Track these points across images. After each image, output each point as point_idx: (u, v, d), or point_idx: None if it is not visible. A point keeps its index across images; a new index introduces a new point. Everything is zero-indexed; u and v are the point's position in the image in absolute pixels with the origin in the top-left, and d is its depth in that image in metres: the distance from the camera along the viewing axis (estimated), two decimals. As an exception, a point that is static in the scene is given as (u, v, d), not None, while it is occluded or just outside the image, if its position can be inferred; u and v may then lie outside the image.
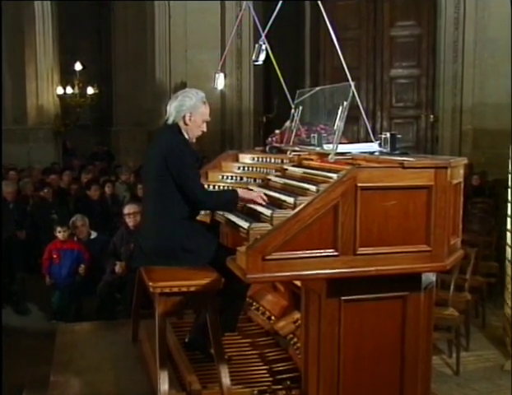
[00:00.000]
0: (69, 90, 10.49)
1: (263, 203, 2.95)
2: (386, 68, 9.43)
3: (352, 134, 8.41)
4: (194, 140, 3.02)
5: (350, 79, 2.89)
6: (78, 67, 10.43)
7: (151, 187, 2.92)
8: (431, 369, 2.75)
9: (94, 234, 5.40)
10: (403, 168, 2.42)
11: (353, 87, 2.83)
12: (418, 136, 9.47)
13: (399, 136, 2.84)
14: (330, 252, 2.36)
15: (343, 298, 2.45)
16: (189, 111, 2.92)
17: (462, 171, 2.68)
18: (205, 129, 3.03)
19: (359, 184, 2.37)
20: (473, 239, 4.93)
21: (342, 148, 2.93)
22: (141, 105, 10.33)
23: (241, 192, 2.99)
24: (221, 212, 3.10)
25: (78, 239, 5.24)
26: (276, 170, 3.49)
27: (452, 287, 4.14)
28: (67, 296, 4.93)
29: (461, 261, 3.42)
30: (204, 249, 2.85)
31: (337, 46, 3.16)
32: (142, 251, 2.92)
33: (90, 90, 10.72)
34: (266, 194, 3.14)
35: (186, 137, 2.96)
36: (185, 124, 2.95)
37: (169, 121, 2.95)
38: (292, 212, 2.37)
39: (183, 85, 9.07)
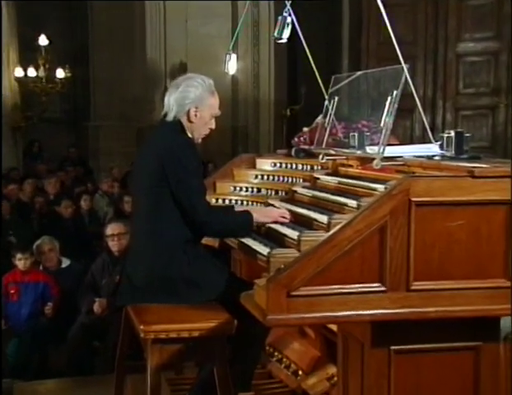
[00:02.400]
0: (31, 72, 10.21)
1: (287, 222, 3.01)
2: (451, 42, 9.29)
3: (405, 132, 8.42)
4: (200, 140, 3.10)
5: (402, 59, 2.93)
6: (43, 41, 10.11)
7: (143, 200, 2.99)
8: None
9: (66, 262, 5.49)
10: (473, 177, 2.44)
11: (406, 70, 2.87)
12: (495, 133, 9.31)
13: (468, 134, 2.87)
14: (375, 287, 2.39)
15: (393, 347, 2.47)
16: (195, 104, 3.00)
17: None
18: (213, 126, 3.10)
19: (413, 199, 2.39)
20: None
21: (391, 151, 2.97)
22: (127, 94, 10.46)
23: (258, 213, 3.04)
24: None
25: (45, 269, 5.33)
26: (305, 180, 3.54)
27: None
28: (28, 345, 4.92)
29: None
30: (211, 282, 2.91)
31: (385, 15, 3.19)
32: (131, 284, 2.98)
33: (59, 73, 10.56)
34: (291, 211, 3.19)
35: (190, 136, 3.04)
36: (190, 121, 3.03)
37: (169, 117, 3.02)
38: (326, 235, 2.41)
39: (182, 68, 9.24)
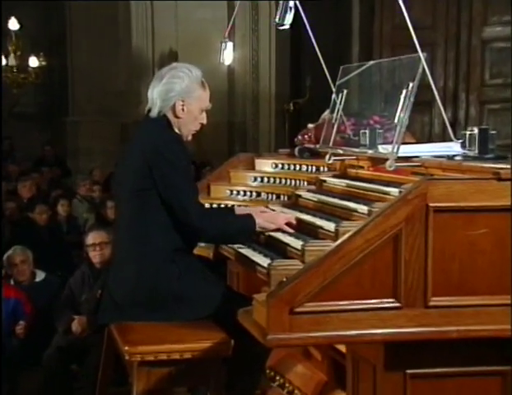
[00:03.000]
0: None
1: (289, 230, 3.03)
2: (476, 27, 9.15)
3: (422, 129, 8.44)
4: (190, 137, 3.13)
5: (418, 47, 2.94)
6: (14, 25, 10.12)
7: (127, 205, 3.02)
8: None
9: (40, 276, 5.49)
10: (499, 180, 2.45)
11: (424, 60, 2.89)
12: (525, 130, 9.32)
13: (494, 131, 2.88)
14: (389, 303, 2.41)
15: (409, 371, 2.49)
16: (181, 97, 3.02)
17: None
18: (204, 121, 3.13)
19: (431, 204, 2.41)
20: None
21: (407, 150, 3.00)
22: (110, 86, 10.48)
23: (261, 218, 3.06)
24: (226, 245, 3.19)
25: (16, 283, 5.32)
26: (310, 183, 3.56)
27: None
28: (-3, 369, 4.94)
29: None
30: (205, 297, 2.93)
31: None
32: (114, 300, 3.00)
33: (33, 62, 10.55)
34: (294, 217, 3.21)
35: (178, 133, 3.06)
36: (176, 116, 3.05)
37: (154, 113, 3.05)
38: (333, 245, 2.43)
39: (172, 57, 9.25)
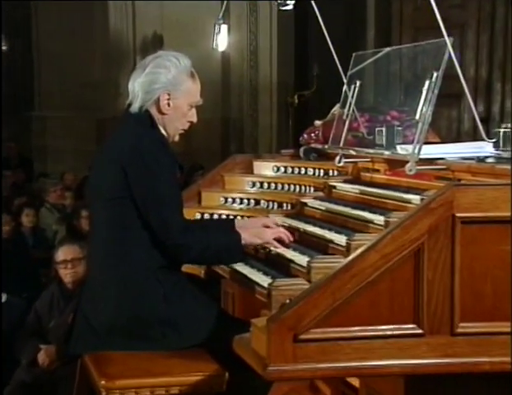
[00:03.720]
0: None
1: (286, 241, 3.07)
2: None
3: (449, 126, 8.45)
4: (177, 138, 3.14)
5: (444, 31, 2.96)
6: None
7: (104, 216, 3.03)
8: None
9: (2, 297, 5.49)
10: (538, 186, 2.48)
11: (450, 45, 2.92)
12: None
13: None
14: (409, 329, 2.42)
15: (434, 409, 2.50)
16: (166, 90, 3.04)
17: None
18: (194, 119, 3.14)
19: (459, 214, 2.43)
20: None
21: (430, 151, 3.01)
22: (83, 75, 10.48)
23: (247, 233, 3.07)
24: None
25: (-28, 307, 5.32)
26: (317, 189, 3.58)
27: None
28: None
29: None
30: (195, 322, 2.94)
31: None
32: (89, 326, 3.01)
33: None
34: (298, 229, 3.23)
35: (163, 133, 3.08)
36: (160, 112, 3.07)
37: (134, 107, 3.07)
38: (344, 261, 2.44)
39: (156, 41, 9.27)
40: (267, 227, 3.17)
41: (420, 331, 2.42)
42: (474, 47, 8.77)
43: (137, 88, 3.04)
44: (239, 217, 3.79)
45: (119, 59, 9.74)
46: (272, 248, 3.10)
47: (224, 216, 3.82)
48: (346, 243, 2.70)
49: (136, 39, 9.81)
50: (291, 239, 3.10)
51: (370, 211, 2.95)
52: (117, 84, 9.30)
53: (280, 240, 3.09)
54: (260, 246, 3.14)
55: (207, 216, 3.84)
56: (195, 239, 2.98)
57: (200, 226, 3.29)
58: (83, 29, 10.42)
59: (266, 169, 4.03)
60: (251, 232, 3.11)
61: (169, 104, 3.05)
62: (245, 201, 3.87)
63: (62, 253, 4.87)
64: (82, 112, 10.44)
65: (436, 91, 2.92)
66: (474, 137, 3.17)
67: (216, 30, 4.43)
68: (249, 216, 3.74)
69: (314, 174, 3.80)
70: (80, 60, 10.49)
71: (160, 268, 2.97)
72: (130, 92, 3.08)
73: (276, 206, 3.75)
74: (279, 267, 2.99)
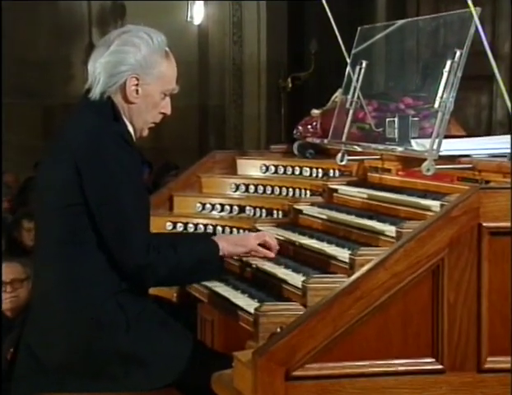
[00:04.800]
0: None
1: (274, 248, 3.10)
2: None
3: (477, 116, 8.46)
4: (145, 132, 3.15)
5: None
6: None
7: (51, 227, 3.04)
8: None
9: None
10: None
11: (477, 17, 2.93)
12: None
13: None
14: (427, 364, 2.45)
15: None
16: (135, 74, 3.05)
17: None
18: (168, 110, 3.15)
19: (486, 224, 2.46)
20: None
21: (452, 147, 3.04)
22: (26, 53, 10.47)
23: (225, 241, 3.10)
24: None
25: None
26: (315, 192, 3.60)
27: None
28: None
29: None
30: (165, 357, 2.94)
31: None
32: (36, 363, 3.00)
33: None
34: (291, 242, 3.25)
35: (129, 127, 3.09)
36: (127, 101, 3.08)
37: (94, 94, 3.07)
38: (347, 281, 2.47)
39: (117, 12, 9.27)
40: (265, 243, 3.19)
41: (439, 366, 2.45)
42: (508, 17, 8.69)
43: (99, 70, 3.04)
44: (219, 228, 3.80)
45: (71, 33, 9.74)
46: (257, 263, 3.12)
47: (201, 226, 3.83)
48: (350, 258, 2.71)
49: (91, 8, 9.80)
50: (277, 247, 3.14)
51: (379, 220, 2.98)
52: (68, 64, 9.31)
53: (267, 246, 3.13)
54: (244, 259, 3.16)
55: (180, 227, 3.85)
56: (160, 256, 2.98)
57: (168, 240, 3.25)
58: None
59: (252, 168, 4.05)
60: (230, 240, 3.13)
61: (137, 92, 3.06)
62: (227, 207, 3.88)
63: (2, 273, 4.87)
64: (25, 98, 10.40)
65: (460, 73, 2.95)
66: (509, 128, 3.17)
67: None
68: (231, 227, 3.76)
69: (310, 174, 3.81)
70: (22, 36, 10.45)
71: (121, 292, 2.97)
72: (89, 75, 3.07)
73: (264, 214, 3.76)
74: (268, 288, 3.01)
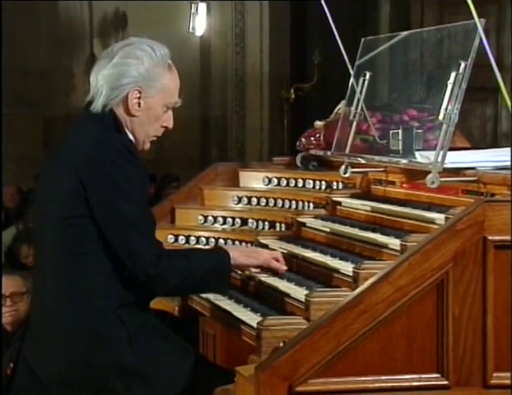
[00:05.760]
0: None
1: (282, 269, 3.08)
2: None
3: (482, 127, 8.45)
4: (147, 146, 3.14)
5: (473, 9, 2.96)
6: None
7: (52, 240, 3.03)
8: None
9: None
10: None
11: (481, 28, 2.93)
12: None
13: None
14: (431, 379, 2.45)
15: None
16: (137, 86, 3.05)
17: None
18: (170, 124, 3.15)
19: (491, 237, 2.46)
20: None
21: (457, 159, 3.04)
22: (26, 64, 10.48)
23: (237, 252, 3.09)
24: (199, 295, 3.23)
25: None
26: (318, 205, 3.60)
27: None
28: None
29: None
30: (166, 371, 2.93)
31: None
32: (34, 378, 3.00)
33: None
34: (294, 255, 3.25)
35: (131, 138, 3.09)
36: (129, 114, 3.08)
37: (96, 106, 3.07)
38: (351, 294, 2.47)
39: (118, 21, 9.26)
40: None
41: (444, 382, 2.45)
42: (512, 30, 8.77)
43: (101, 82, 3.04)
44: (221, 240, 3.80)
45: (72, 44, 9.74)
46: (260, 276, 3.11)
47: (203, 239, 3.83)
48: (354, 272, 2.71)
49: (93, 18, 9.81)
50: (282, 264, 3.13)
51: (383, 233, 2.98)
52: (69, 74, 9.32)
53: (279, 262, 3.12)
54: (247, 272, 3.15)
55: (181, 240, 3.85)
56: (172, 266, 2.98)
57: (179, 252, 3.27)
58: (25, 5, 10.35)
59: (255, 180, 4.04)
60: (244, 251, 3.13)
61: (139, 104, 3.06)
62: (229, 220, 3.88)
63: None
64: (26, 108, 10.40)
65: (465, 85, 2.94)
66: (512, 140, 3.19)
67: (192, 10, 4.44)
68: (234, 240, 3.75)
69: (313, 186, 3.81)
70: (22, 46, 10.46)
71: (122, 306, 2.97)
72: (92, 87, 3.08)
73: (267, 227, 3.76)
74: (271, 301, 3.00)
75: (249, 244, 3.55)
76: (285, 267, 3.12)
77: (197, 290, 3.20)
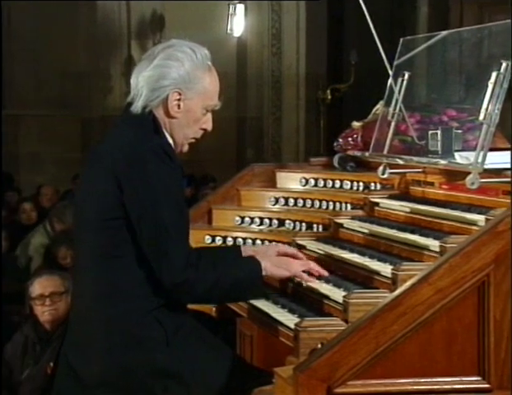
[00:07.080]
0: None
1: (309, 279, 3.07)
2: None
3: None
4: (186, 148, 3.15)
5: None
6: None
7: (90, 242, 3.05)
8: None
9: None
10: None
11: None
12: None
13: None
14: (472, 382, 2.44)
15: None
16: (177, 88, 3.05)
17: None
18: (209, 126, 3.15)
19: (532, 238, 2.44)
20: None
21: (497, 160, 3.03)
22: (65, 66, 10.52)
23: (268, 261, 3.07)
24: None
25: None
26: (356, 206, 3.59)
27: None
28: None
29: None
30: (204, 372, 2.94)
31: None
32: (75, 379, 3.01)
33: None
34: (332, 257, 3.24)
35: (169, 140, 3.09)
36: (168, 115, 3.08)
37: (136, 107, 3.08)
38: (390, 296, 2.46)
39: (156, 24, 9.31)
40: (286, 255, 3.17)
41: (486, 385, 2.43)
42: None
43: (142, 83, 3.05)
44: (258, 241, 3.79)
45: (110, 45, 9.79)
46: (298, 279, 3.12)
47: (240, 240, 3.83)
48: (392, 273, 2.70)
49: (130, 20, 9.85)
50: (325, 273, 3.11)
51: (422, 235, 2.96)
52: (107, 76, 9.37)
53: (310, 274, 3.11)
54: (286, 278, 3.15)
55: (218, 240, 3.85)
56: (199, 274, 2.96)
57: (209, 257, 3.20)
58: (64, 10, 10.41)
59: (292, 181, 4.04)
60: (274, 261, 3.11)
61: (179, 106, 3.06)
62: (266, 221, 3.88)
63: (39, 287, 4.88)
64: (64, 110, 10.45)
65: (506, 85, 2.93)
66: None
67: (230, 11, 4.44)
68: (270, 240, 3.74)
69: (351, 187, 3.80)
70: (60, 48, 10.53)
71: (160, 308, 2.97)
72: (132, 88, 3.09)
73: (304, 228, 3.76)
74: (308, 303, 3.00)
75: (286, 245, 3.53)
76: (314, 281, 3.08)
77: (226, 299, 3.22)
